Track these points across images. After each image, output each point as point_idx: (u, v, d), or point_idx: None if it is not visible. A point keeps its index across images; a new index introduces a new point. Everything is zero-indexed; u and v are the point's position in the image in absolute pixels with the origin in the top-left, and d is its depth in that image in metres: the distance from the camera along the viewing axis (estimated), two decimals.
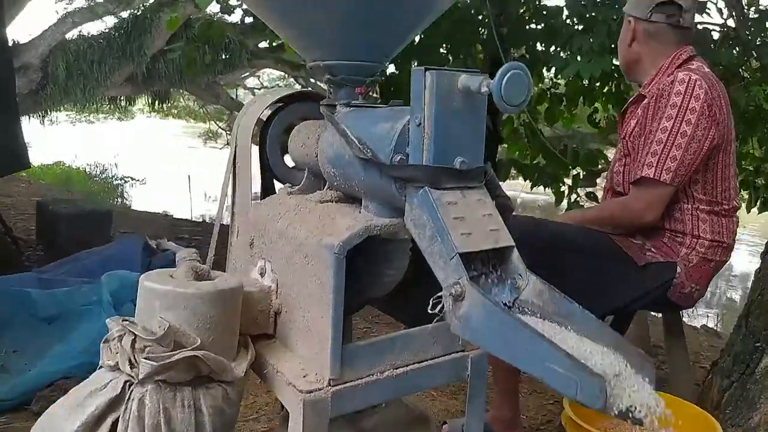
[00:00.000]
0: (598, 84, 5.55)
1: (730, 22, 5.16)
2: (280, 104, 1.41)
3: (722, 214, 1.84)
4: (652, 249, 1.86)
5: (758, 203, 5.29)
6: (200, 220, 7.58)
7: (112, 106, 10.94)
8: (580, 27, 4.15)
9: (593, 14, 4.19)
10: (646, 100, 1.80)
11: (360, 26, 1.12)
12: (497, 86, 0.85)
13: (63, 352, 2.43)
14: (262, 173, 1.40)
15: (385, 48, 1.21)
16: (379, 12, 1.10)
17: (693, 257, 1.83)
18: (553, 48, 4.77)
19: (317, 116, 1.33)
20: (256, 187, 1.41)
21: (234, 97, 10.48)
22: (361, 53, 1.17)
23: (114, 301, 2.76)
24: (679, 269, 1.83)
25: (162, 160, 13.47)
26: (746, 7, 5.15)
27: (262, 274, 1.25)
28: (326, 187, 1.25)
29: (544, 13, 4.40)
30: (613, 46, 4.24)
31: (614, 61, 3.85)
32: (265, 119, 1.39)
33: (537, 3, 4.90)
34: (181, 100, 12.88)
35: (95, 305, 2.66)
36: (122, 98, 10.45)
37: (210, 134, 13.86)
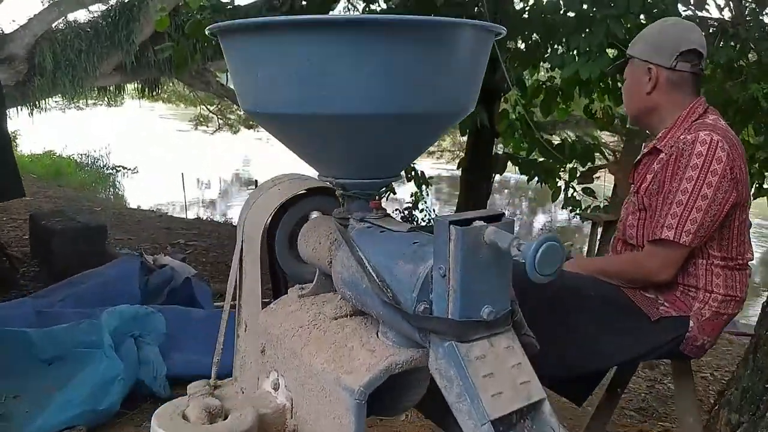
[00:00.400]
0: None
1: (726, 14, 5.06)
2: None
3: (736, 268, 1.79)
4: (665, 303, 1.82)
5: (753, 189, 5.29)
6: (194, 217, 7.46)
7: (101, 94, 10.70)
8: (578, 25, 4.03)
9: (591, 12, 4.07)
10: (663, 156, 1.73)
11: (374, 146, 1.04)
12: (531, 258, 0.78)
13: (64, 401, 2.37)
14: (271, 270, 1.33)
15: (399, 163, 1.13)
16: (395, 133, 1.02)
17: (706, 311, 1.79)
18: (549, 46, 4.65)
19: (329, 208, 1.26)
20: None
21: (224, 83, 10.26)
22: (375, 170, 1.09)
23: (114, 339, 2.69)
24: (692, 323, 1.80)
25: (153, 147, 13.25)
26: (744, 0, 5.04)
27: (275, 388, 1.19)
28: (340, 296, 1.18)
29: (543, 15, 4.26)
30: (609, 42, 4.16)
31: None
32: (273, 212, 1.31)
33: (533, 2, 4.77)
34: (171, 84, 12.61)
35: (95, 347, 2.59)
36: (111, 87, 10.21)
37: (201, 119, 13.62)
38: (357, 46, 0.91)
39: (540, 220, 10.72)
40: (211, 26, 1.02)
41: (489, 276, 0.89)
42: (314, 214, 1.32)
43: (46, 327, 2.78)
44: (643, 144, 1.97)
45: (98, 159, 11.45)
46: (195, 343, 3.08)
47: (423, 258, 0.94)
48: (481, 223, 0.87)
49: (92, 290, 3.37)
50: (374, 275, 0.98)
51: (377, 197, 1.13)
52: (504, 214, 0.92)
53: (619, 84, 5.50)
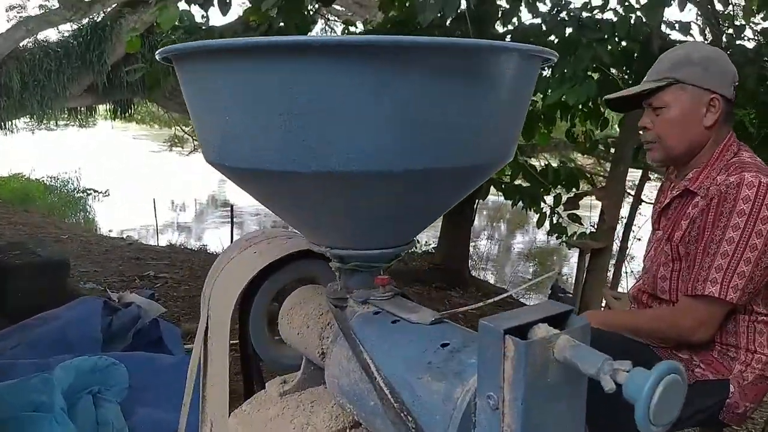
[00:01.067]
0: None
1: (707, 38, 4.96)
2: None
3: None
4: (701, 365, 1.55)
5: None
6: (166, 243, 7.06)
7: (71, 116, 10.27)
8: (563, 49, 3.84)
9: (577, 37, 3.90)
10: (700, 201, 1.47)
11: (384, 209, 0.75)
12: (645, 401, 0.50)
13: None
14: (242, 354, 1.02)
15: (415, 228, 0.85)
16: (414, 193, 0.73)
17: (748, 374, 1.53)
18: None
19: (321, 276, 0.96)
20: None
21: None
22: (384, 238, 0.81)
23: (69, 398, 2.34)
24: (732, 388, 1.54)
25: (126, 169, 12.79)
26: (722, 24, 4.94)
27: None
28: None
29: (526, 39, 4.07)
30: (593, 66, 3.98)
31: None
32: (247, 282, 1.01)
33: (516, 24, 4.58)
34: (145, 104, 12.20)
35: (46, 410, 2.23)
36: (83, 108, 9.80)
37: (176, 140, 13.19)
38: (365, 77, 0.63)
39: (518, 242, 10.53)
40: (161, 50, 0.74)
41: (560, 411, 0.61)
42: (301, 285, 1.03)
43: None
44: (668, 184, 1.71)
45: (68, 182, 10.96)
46: (162, 396, 2.73)
47: (460, 374, 0.65)
48: (550, 330, 0.59)
49: (48, 335, 3.01)
50: (387, 392, 0.69)
51: (384, 271, 0.85)
52: (572, 310, 0.64)
53: (602, 108, 5.37)
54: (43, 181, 11.00)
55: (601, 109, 5.15)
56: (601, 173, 7.50)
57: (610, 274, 4.90)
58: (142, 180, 11.69)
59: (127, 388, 2.60)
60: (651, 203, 1.91)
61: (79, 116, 10.66)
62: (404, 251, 0.84)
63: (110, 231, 8.66)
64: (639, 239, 5.65)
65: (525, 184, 5.17)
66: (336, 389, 0.81)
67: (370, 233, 0.78)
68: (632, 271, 6.57)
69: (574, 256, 9.13)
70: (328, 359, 0.82)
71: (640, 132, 1.60)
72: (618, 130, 5.16)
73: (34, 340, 2.98)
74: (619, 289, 5.20)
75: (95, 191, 10.79)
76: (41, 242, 4.47)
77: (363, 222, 0.76)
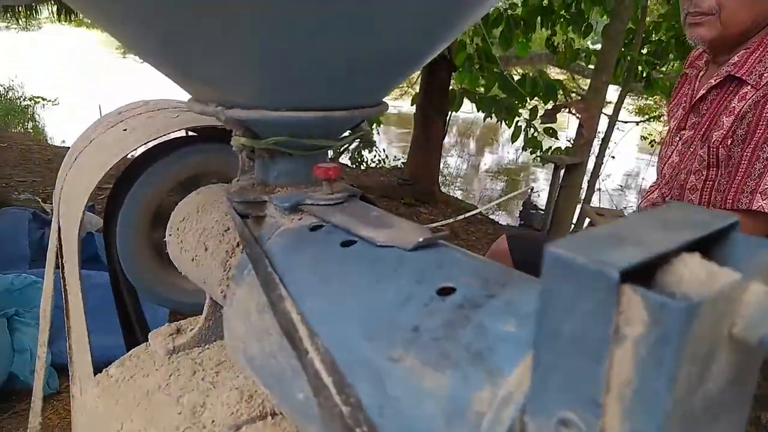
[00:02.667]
0: (556, 6, 4.84)
1: None
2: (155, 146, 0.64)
3: None
4: None
5: None
6: None
7: (10, 16, 9.26)
8: None
9: None
10: (753, 92, 1.12)
11: (340, 39, 0.36)
12: None
13: None
14: (114, 288, 0.65)
15: (375, 83, 0.45)
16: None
17: None
18: None
19: (224, 169, 0.59)
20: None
21: None
22: (328, 95, 0.42)
23: None
24: None
25: (75, 76, 11.81)
26: None
27: None
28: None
29: None
30: None
31: None
32: (118, 175, 0.62)
33: None
34: None
35: None
36: (20, 8, 8.80)
37: None
38: None
39: (487, 160, 10.19)
40: None
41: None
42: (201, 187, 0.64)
43: None
44: (694, 72, 1.34)
45: (12, 89, 10.04)
46: (94, 317, 2.38)
47: (484, 359, 0.28)
48: (718, 271, 0.22)
49: None
50: (329, 382, 0.32)
51: (333, 156, 0.47)
52: (735, 224, 0.27)
53: (586, 15, 4.92)
54: None
55: (585, 14, 4.71)
56: (574, 89, 7.13)
57: (582, 192, 4.63)
58: (93, 87, 10.83)
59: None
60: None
61: (18, 17, 9.64)
62: (367, 120, 0.46)
63: (63, 141, 8.00)
64: (613, 157, 5.38)
65: (500, 96, 4.75)
66: (241, 358, 0.44)
67: (306, 76, 0.40)
68: (606, 189, 6.35)
69: (542, 173, 8.88)
70: (228, 307, 0.45)
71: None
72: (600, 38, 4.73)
73: None
74: (593, 206, 4.97)
75: (43, 99, 9.93)
76: None
77: (295, 52, 0.37)
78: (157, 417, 0.52)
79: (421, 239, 0.37)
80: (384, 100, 0.47)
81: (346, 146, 0.48)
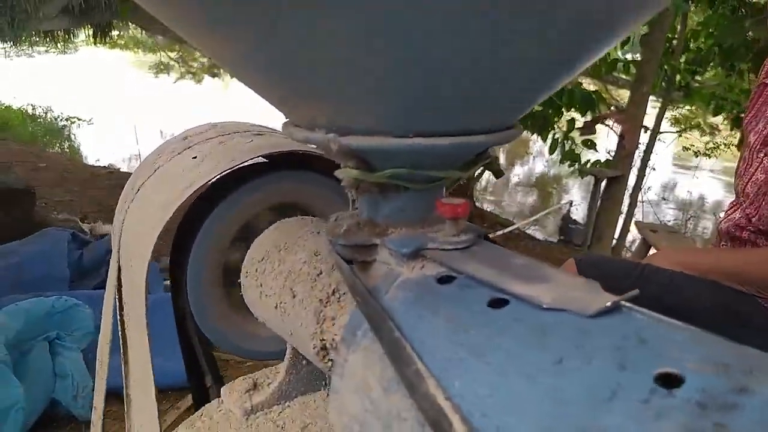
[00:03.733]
0: None
1: None
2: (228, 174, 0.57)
3: None
4: None
5: None
6: None
7: (49, 40, 9.52)
8: None
9: None
10: None
11: (464, 59, 0.28)
12: None
13: None
14: (181, 335, 0.58)
15: (512, 105, 0.37)
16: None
17: None
18: None
19: (307, 201, 0.51)
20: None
21: None
22: (459, 119, 0.33)
23: (18, 345, 1.92)
24: None
25: (110, 96, 12.05)
26: None
27: None
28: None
29: None
30: None
31: None
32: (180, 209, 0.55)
33: None
34: (130, 29, 11.33)
35: None
36: (60, 32, 9.03)
37: (161, 66, 12.33)
38: None
39: (517, 172, 10.02)
40: None
41: None
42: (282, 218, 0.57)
43: None
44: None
45: (50, 110, 10.28)
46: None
47: None
48: None
49: (3, 273, 2.57)
50: None
51: (452, 187, 0.39)
52: None
53: None
54: (23, 109, 10.32)
55: None
56: (609, 100, 6.95)
57: (623, 205, 4.48)
58: (127, 108, 11.03)
59: (92, 333, 2.19)
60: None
61: (57, 41, 9.92)
62: (501, 144, 0.37)
63: (97, 161, 8.13)
64: (654, 168, 5.21)
65: (535, 108, 4.63)
66: None
67: (442, 95, 0.32)
68: (648, 201, 6.16)
69: (575, 186, 8.68)
70: (338, 377, 0.37)
71: None
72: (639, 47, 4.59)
73: None
74: (642, 220, 4.80)
75: (79, 119, 10.14)
76: (6, 169, 3.97)
77: (433, 65, 0.29)
78: None
79: (608, 303, 0.29)
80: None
81: (464, 176, 0.40)
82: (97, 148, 9.15)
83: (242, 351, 0.62)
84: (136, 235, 0.54)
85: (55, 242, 2.81)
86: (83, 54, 13.28)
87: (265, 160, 0.56)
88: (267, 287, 0.50)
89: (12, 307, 2.02)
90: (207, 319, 0.59)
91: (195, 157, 0.55)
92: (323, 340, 0.44)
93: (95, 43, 10.30)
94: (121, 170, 6.22)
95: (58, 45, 9.99)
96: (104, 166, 6.46)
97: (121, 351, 0.63)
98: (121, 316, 0.60)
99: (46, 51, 12.60)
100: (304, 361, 0.56)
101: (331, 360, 0.46)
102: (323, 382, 0.58)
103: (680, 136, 6.93)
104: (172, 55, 11.94)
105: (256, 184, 0.57)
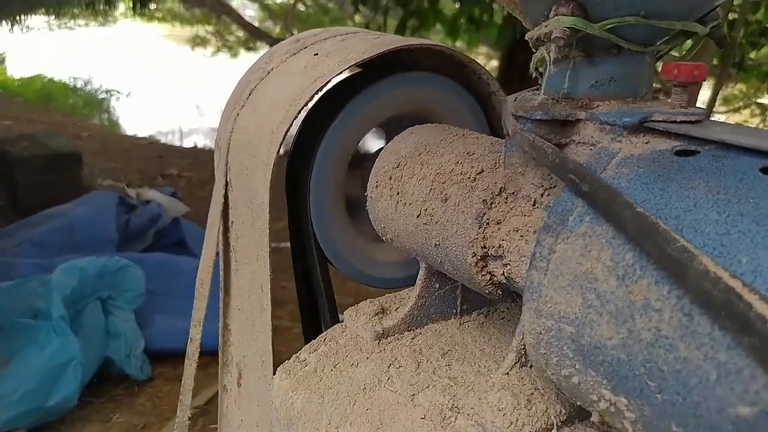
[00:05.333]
0: None
1: None
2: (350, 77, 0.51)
3: None
4: None
5: None
6: (192, 145, 6.60)
7: (90, 11, 9.62)
8: None
9: None
10: None
11: None
12: None
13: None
14: (296, 264, 0.53)
15: None
16: None
17: None
18: None
19: (436, 108, 0.45)
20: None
21: None
22: None
23: (74, 305, 1.93)
24: None
25: (148, 70, 12.17)
26: None
27: None
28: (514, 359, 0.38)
29: None
30: None
31: None
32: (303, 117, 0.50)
33: None
34: (167, 1, 11.38)
35: (43, 318, 1.83)
36: (100, 4, 9.13)
37: (198, 40, 12.35)
38: None
39: None
40: None
41: None
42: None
43: None
44: None
45: (89, 82, 10.43)
46: (182, 303, 2.33)
47: None
48: None
49: (55, 234, 2.59)
50: None
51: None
52: None
53: None
54: (64, 81, 10.50)
55: None
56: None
57: None
58: (165, 82, 11.13)
59: (143, 294, 2.19)
60: None
61: (97, 13, 10.03)
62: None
63: (136, 134, 8.23)
64: None
65: None
66: (566, 347, 0.30)
67: None
68: None
69: None
70: (539, 272, 0.31)
71: None
72: None
73: (39, 239, 2.57)
74: None
75: (118, 92, 10.26)
76: (52, 135, 4.01)
77: None
78: (390, 421, 0.39)
79: None
80: None
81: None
82: (136, 121, 9.26)
83: (366, 277, 0.57)
84: (253, 140, 0.49)
85: (105, 204, 2.83)
86: (122, 27, 13.41)
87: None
88: (406, 195, 0.44)
89: (68, 265, 2.03)
90: (330, 244, 0.54)
91: (316, 54, 0.49)
92: (485, 247, 0.38)
93: (134, 16, 10.38)
94: (161, 142, 6.27)
95: (97, 15, 10.10)
96: (144, 137, 6.52)
97: (222, 278, 0.58)
98: (226, 237, 0.56)
99: (86, 24, 12.76)
100: (437, 285, 0.50)
101: (490, 273, 0.40)
102: (455, 310, 0.52)
103: (733, 113, 6.66)
104: (209, 28, 11.95)
105: (388, 84, 0.51)
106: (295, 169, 0.53)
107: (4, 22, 9.14)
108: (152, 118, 9.28)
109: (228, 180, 0.52)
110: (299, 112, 0.45)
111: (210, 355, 1.92)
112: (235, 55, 12.13)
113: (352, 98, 0.50)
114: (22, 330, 1.82)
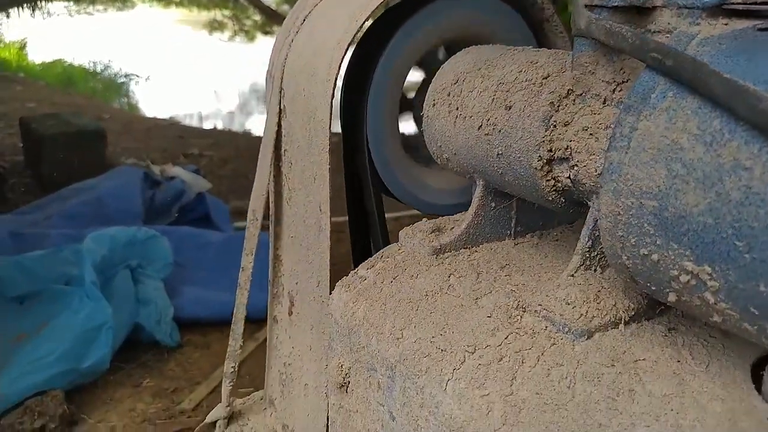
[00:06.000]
0: None
1: None
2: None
3: None
4: None
5: None
6: (212, 126, 6.64)
7: None
8: None
9: None
10: None
11: None
12: None
13: (35, 359, 1.68)
14: (349, 185, 0.54)
15: None
16: None
17: None
18: None
19: (490, 30, 0.45)
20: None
21: None
22: None
23: (104, 272, 1.97)
24: None
25: (166, 54, 12.23)
26: None
27: None
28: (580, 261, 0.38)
29: None
30: None
31: None
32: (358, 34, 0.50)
33: None
34: None
35: (76, 284, 1.87)
36: None
37: (215, 24, 12.39)
38: None
39: None
40: None
41: None
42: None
43: (22, 253, 2.06)
44: None
45: (109, 66, 10.51)
46: (210, 274, 2.37)
47: None
48: None
49: (84, 207, 2.64)
50: None
51: None
52: None
53: None
54: (84, 66, 10.58)
55: None
56: None
57: None
58: (183, 66, 11.17)
59: (171, 264, 2.23)
60: None
61: None
62: None
63: (155, 117, 8.29)
64: None
65: None
66: (645, 221, 0.30)
67: None
68: None
69: None
70: (619, 151, 0.31)
71: None
72: None
73: (68, 212, 2.62)
74: None
75: (137, 76, 10.33)
76: (76, 114, 4.06)
77: None
78: (454, 322, 0.40)
79: None
80: None
81: None
82: (155, 105, 9.31)
83: (421, 203, 0.57)
84: (310, 60, 0.49)
85: (130, 179, 2.87)
86: (139, 12, 13.48)
87: None
88: (466, 108, 0.45)
89: (97, 234, 2.07)
90: (387, 168, 0.55)
91: None
92: (551, 150, 0.39)
93: (151, 1, 10.45)
94: (181, 124, 6.31)
95: (117, 3, 10.18)
96: (164, 118, 6.57)
97: (273, 209, 0.59)
98: (278, 167, 0.56)
99: (105, 9, 12.83)
100: (493, 203, 0.51)
101: (554, 178, 0.41)
102: (509, 231, 0.52)
103: None
104: (226, 12, 11.99)
105: (441, 5, 0.51)
106: (350, 102, 0.54)
107: (25, 7, 9.23)
108: (171, 102, 9.33)
109: (282, 107, 0.53)
110: (361, 27, 0.46)
111: (257, 322, 1.92)
112: (252, 38, 12.15)
113: (406, 21, 0.51)
114: (57, 296, 1.87)
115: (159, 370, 1.96)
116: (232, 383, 0.66)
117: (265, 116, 0.54)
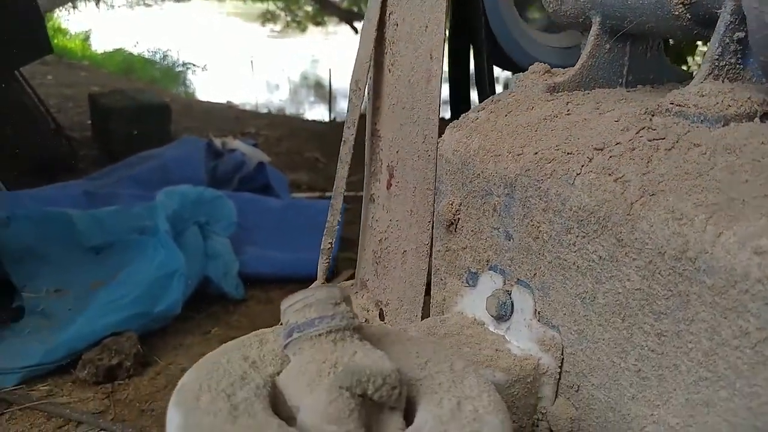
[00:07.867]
0: None
1: None
2: None
3: None
4: None
5: None
6: (266, 111, 6.79)
7: None
8: None
9: None
10: None
11: None
12: None
13: (111, 301, 1.77)
14: (455, 44, 0.55)
15: None
16: None
17: None
18: None
19: None
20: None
21: None
22: None
23: (175, 226, 2.05)
24: None
25: (221, 45, 12.55)
26: None
27: (502, 315, 0.44)
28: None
29: None
30: None
31: None
32: None
33: None
34: None
35: (150, 234, 1.96)
36: None
37: (268, 15, 12.61)
38: None
39: None
40: None
41: None
42: None
43: (95, 209, 2.17)
44: None
45: (167, 56, 10.87)
46: (270, 236, 2.43)
47: None
48: None
49: (150, 173, 2.75)
50: None
51: None
52: None
53: None
54: (144, 55, 10.97)
55: None
56: None
57: None
58: (237, 56, 11.44)
59: (235, 223, 2.30)
60: None
61: None
62: None
63: (211, 101, 8.54)
64: None
65: None
66: None
67: None
68: None
69: None
70: None
71: None
72: None
73: (136, 177, 2.74)
74: None
75: (194, 65, 10.64)
76: (141, 90, 4.23)
77: None
78: (580, 131, 0.41)
79: None
80: None
81: None
82: (211, 93, 9.57)
83: (532, 60, 0.58)
84: None
85: (194, 148, 2.97)
86: (195, 3, 13.88)
87: None
88: None
89: (169, 189, 2.15)
90: (504, 30, 0.56)
91: None
92: None
93: None
94: (238, 107, 6.48)
95: None
96: (222, 102, 6.76)
97: (372, 81, 0.61)
98: (381, 34, 0.58)
99: (163, 1, 13.25)
100: (607, 45, 0.51)
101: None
102: (621, 79, 0.53)
103: None
104: (279, 4, 12.17)
105: None
106: None
107: (90, 0, 9.62)
108: (226, 91, 9.57)
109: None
110: None
111: (297, 282, 1.98)
112: (303, 29, 12.31)
113: None
114: (131, 245, 1.96)
115: (225, 320, 2.03)
116: (327, 260, 0.68)
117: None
